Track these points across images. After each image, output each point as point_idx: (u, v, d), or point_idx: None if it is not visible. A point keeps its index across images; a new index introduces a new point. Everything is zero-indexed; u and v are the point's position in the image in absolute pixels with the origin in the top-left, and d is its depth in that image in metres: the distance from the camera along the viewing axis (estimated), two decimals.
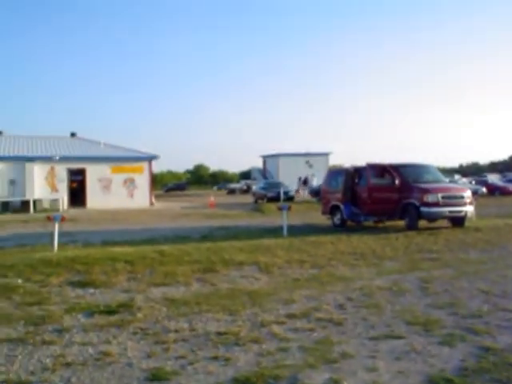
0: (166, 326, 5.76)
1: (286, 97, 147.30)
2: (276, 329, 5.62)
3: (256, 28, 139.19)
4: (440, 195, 15.17)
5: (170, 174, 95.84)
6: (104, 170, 35.01)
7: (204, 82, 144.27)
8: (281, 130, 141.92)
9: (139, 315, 6.17)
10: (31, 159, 33.35)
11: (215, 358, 4.74)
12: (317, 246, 11.96)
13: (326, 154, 62.65)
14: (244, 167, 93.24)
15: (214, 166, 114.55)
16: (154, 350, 4.99)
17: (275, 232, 15.86)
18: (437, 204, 15.10)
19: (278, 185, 39.89)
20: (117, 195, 34.75)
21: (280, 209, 16.35)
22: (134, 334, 5.50)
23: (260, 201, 37.42)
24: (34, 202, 31.46)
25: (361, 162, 18.43)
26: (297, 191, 42.39)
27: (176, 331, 5.55)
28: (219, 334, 5.46)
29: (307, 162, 60.44)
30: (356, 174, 17.84)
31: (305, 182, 45.05)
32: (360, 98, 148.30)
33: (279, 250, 11.40)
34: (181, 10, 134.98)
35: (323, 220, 19.12)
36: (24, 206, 31.25)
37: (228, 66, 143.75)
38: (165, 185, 76.32)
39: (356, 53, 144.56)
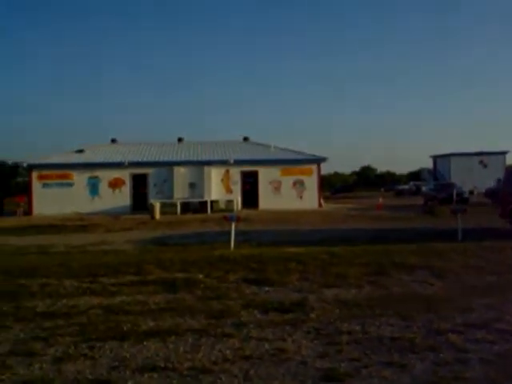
0: (338, 327, 5.79)
1: (456, 94, 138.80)
2: (453, 338, 5.35)
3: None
4: None
5: (337, 175, 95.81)
6: (274, 172, 36.18)
7: (368, 83, 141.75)
8: (452, 129, 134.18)
9: (312, 315, 6.27)
10: (209, 163, 35.68)
11: (389, 364, 4.65)
12: (495, 252, 11.14)
13: (503, 153, 57.84)
14: (412, 168, 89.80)
15: (381, 167, 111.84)
16: (327, 350, 5.04)
17: (448, 235, 15.09)
18: None
19: (450, 186, 37.86)
20: (286, 197, 35.68)
21: (453, 211, 15.54)
22: (308, 333, 5.60)
23: (430, 202, 35.83)
24: (211, 202, 33.64)
25: None
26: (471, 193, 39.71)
27: (349, 333, 5.54)
28: (393, 339, 5.35)
29: (481, 162, 56.40)
30: None
31: None
32: None
33: (453, 254, 10.83)
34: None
35: (502, 224, 17.73)
36: (202, 206, 33.55)
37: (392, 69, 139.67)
38: (332, 186, 76.49)
39: None
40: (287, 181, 36.13)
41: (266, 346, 5.20)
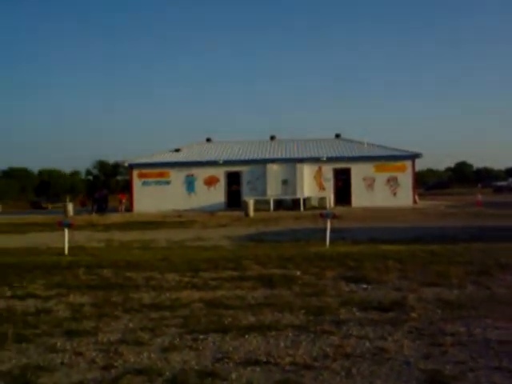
0: (441, 328, 5.61)
1: None
2: None
3: None
4: None
5: (431, 172, 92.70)
6: (367, 169, 35.61)
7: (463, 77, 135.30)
8: None
9: (413, 314, 6.13)
10: (301, 160, 35.72)
11: (498, 369, 4.44)
12: None
13: None
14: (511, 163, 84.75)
15: (477, 163, 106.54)
16: (430, 351, 4.90)
17: None
18: None
19: None
20: (380, 194, 35.04)
21: None
22: (409, 332, 5.48)
23: None
24: (304, 199, 33.66)
25: None
26: None
27: (452, 335, 5.36)
28: (501, 342, 5.10)
29: None
30: None
31: None
32: None
33: None
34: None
35: None
36: (295, 203, 33.67)
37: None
38: (425, 183, 74.07)
39: None
40: (381, 177, 35.45)
41: (367, 344, 5.15)
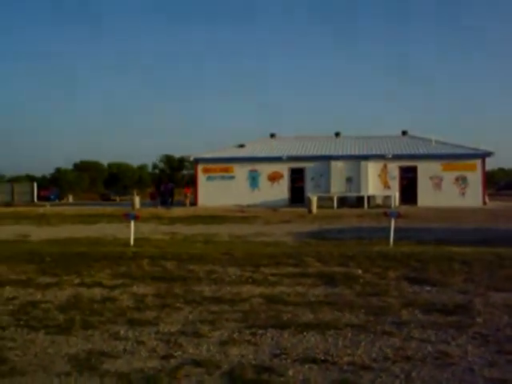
0: (509, 335, 5.37)
1: None
2: None
3: None
4: None
5: (502, 171, 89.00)
6: (435, 167, 34.66)
7: None
8: None
9: (479, 319, 5.90)
10: (366, 157, 35.20)
11: None
12: None
13: None
14: None
15: None
16: (496, 358, 4.69)
17: None
18: None
19: None
20: (447, 193, 34.02)
21: None
22: (474, 338, 5.27)
23: None
24: (368, 197, 33.18)
25: None
26: None
27: None
28: None
29: None
30: None
31: None
32: None
33: None
34: None
35: None
36: (358, 201, 33.26)
37: None
38: (496, 183, 71.15)
39: None
40: (449, 176, 34.44)
41: (429, 347, 5.00)
